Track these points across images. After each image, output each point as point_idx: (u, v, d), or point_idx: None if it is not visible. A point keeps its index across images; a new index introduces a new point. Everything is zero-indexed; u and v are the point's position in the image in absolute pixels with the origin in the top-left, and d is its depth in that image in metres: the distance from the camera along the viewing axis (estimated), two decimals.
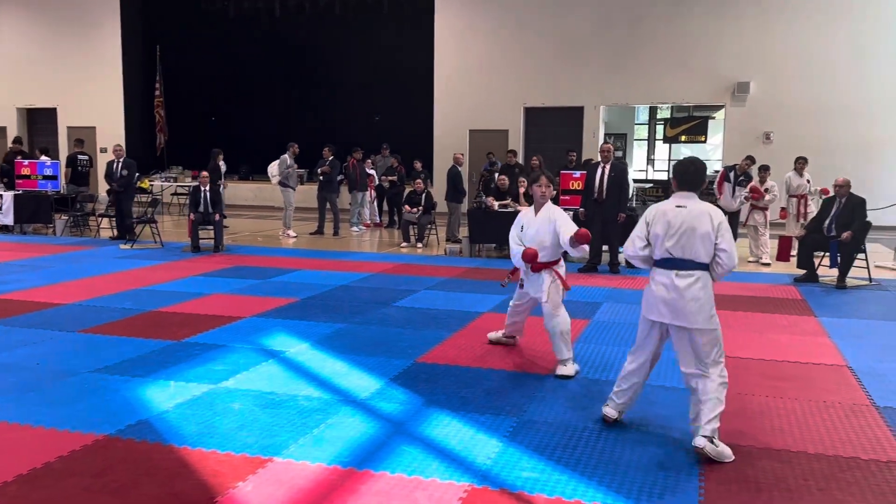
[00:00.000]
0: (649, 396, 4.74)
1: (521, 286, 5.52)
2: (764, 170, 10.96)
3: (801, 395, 4.81)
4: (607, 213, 9.63)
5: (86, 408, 4.43)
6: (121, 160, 12.43)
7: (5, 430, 4.07)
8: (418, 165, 14.50)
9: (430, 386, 4.92)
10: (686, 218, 3.88)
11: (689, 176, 4.00)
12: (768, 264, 10.58)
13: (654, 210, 4.05)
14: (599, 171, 9.71)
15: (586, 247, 5.29)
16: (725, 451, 3.75)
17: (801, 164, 11.19)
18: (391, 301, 7.64)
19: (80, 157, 14.01)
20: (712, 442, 3.72)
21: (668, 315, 3.92)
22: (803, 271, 9.26)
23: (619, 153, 22.75)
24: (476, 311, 7.19)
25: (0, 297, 7.57)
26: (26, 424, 4.15)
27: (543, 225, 5.29)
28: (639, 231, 4.09)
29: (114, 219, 12.66)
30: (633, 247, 4.13)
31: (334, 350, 5.75)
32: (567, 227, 5.19)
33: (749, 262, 10.85)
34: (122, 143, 20.14)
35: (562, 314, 5.24)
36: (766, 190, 10.85)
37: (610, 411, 4.27)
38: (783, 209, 11.30)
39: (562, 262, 5.40)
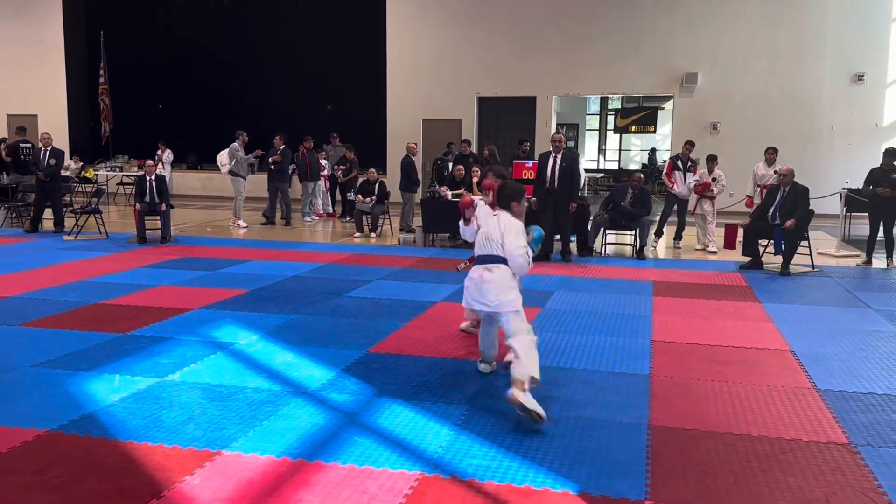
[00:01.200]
0: (599, 382, 4.81)
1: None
2: (711, 160, 11.17)
3: (745, 380, 4.93)
4: (559, 203, 9.71)
5: (27, 403, 4.30)
6: (48, 149, 11.99)
7: None
8: (350, 155, 14.27)
9: (382, 376, 4.91)
10: (494, 224, 4.65)
11: (500, 199, 4.76)
12: (715, 252, 10.80)
13: (484, 208, 5.01)
14: (551, 160, 9.77)
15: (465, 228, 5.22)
16: (537, 407, 4.06)
17: (770, 154, 11.15)
18: (344, 291, 7.58)
19: (21, 145, 13.54)
20: (524, 392, 4.11)
21: (472, 299, 4.65)
22: (748, 258, 9.49)
23: (572, 143, 22.97)
24: (429, 301, 7.18)
25: None
26: None
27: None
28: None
29: (48, 209, 12.17)
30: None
31: (285, 341, 5.69)
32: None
33: (696, 249, 11.06)
34: (66, 132, 19.72)
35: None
36: (714, 179, 11.06)
37: (484, 366, 4.95)
38: (749, 197, 11.35)
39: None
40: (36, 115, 20.06)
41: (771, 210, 9.35)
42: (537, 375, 4.28)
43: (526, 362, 4.25)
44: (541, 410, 4.03)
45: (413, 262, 9.50)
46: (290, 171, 14.00)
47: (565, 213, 9.75)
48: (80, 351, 5.35)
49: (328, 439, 3.86)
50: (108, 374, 4.85)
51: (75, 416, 4.11)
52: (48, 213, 12.71)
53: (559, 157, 9.74)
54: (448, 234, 11.62)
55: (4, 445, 3.70)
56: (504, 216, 4.67)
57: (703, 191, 10.96)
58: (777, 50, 16.04)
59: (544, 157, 9.97)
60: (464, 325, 6.06)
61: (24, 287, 7.54)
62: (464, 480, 3.42)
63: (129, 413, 4.18)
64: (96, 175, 17.51)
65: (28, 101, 20.18)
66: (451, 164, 12.35)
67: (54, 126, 19.78)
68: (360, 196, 12.49)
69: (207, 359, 5.21)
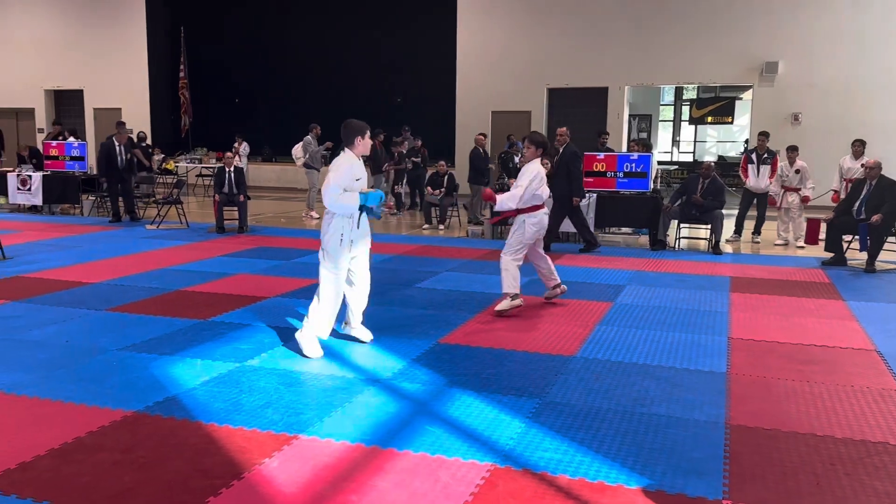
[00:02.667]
0: (673, 379, 4.72)
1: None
2: (792, 150, 10.77)
3: (827, 380, 4.76)
4: (557, 195, 9.58)
5: (114, 384, 4.50)
6: (122, 145, 12.44)
7: (37, 406, 4.15)
8: (398, 148, 14.55)
9: (452, 366, 4.94)
10: None
11: (341, 135, 5.10)
12: (802, 247, 10.42)
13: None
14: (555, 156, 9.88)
15: (498, 206, 6.30)
16: (312, 350, 5.05)
17: (857, 146, 10.61)
18: (413, 282, 7.65)
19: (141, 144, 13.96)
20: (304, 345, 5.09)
21: None
22: (831, 254, 9.14)
23: (644, 135, 22.53)
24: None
25: (31, 276, 7.69)
26: (57, 400, 4.23)
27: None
28: None
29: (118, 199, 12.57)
30: None
31: None
32: (518, 182, 6.25)
33: (775, 244, 10.71)
34: (148, 125, 20.44)
35: (507, 257, 6.29)
36: (797, 171, 10.66)
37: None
38: (835, 192, 10.90)
39: (532, 215, 6.28)
40: (120, 109, 20.87)
41: (856, 204, 8.98)
42: (324, 335, 5.15)
43: (314, 319, 5.08)
44: (314, 353, 5.05)
45: (481, 255, 9.51)
46: None
47: (565, 206, 9.67)
48: (163, 336, 5.56)
49: (400, 427, 3.91)
50: (190, 358, 5.03)
51: (160, 398, 4.29)
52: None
53: (561, 150, 9.74)
54: None
55: (95, 424, 3.89)
56: (335, 160, 5.11)
57: (806, 201, 10.62)
58: (863, 37, 15.33)
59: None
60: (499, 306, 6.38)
61: (111, 274, 7.87)
62: (536, 473, 3.42)
63: (211, 396, 4.32)
64: (177, 167, 18.12)
65: (112, 96, 21.02)
66: (516, 157, 12.31)
67: (137, 119, 20.57)
68: (429, 188, 12.57)
69: (284, 345, 5.35)
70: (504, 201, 6.23)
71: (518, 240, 6.32)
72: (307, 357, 5.08)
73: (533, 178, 6.24)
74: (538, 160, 6.41)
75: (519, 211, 6.31)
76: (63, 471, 3.37)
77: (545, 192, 6.41)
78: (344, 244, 5.08)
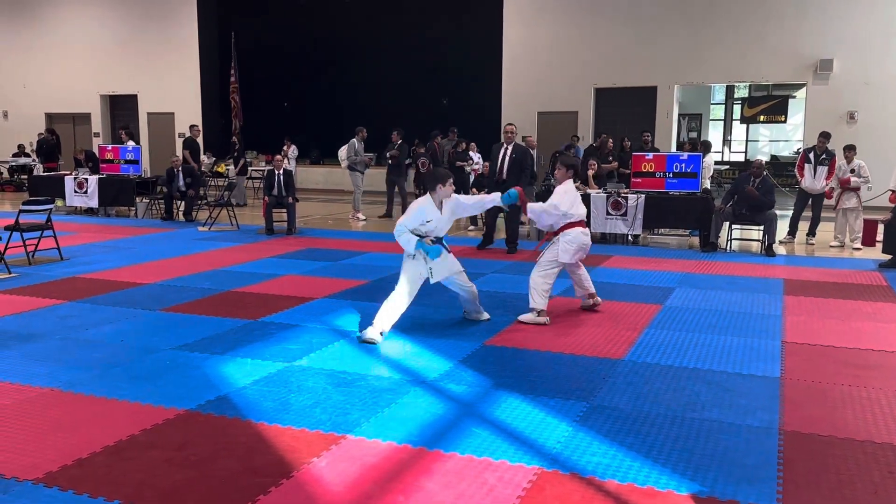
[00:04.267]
0: (725, 383, 4.63)
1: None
2: (849, 149, 10.45)
3: (885, 385, 4.61)
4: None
5: (167, 383, 4.60)
6: (179, 169, 12.97)
7: (92, 404, 4.27)
8: (421, 150, 14.52)
9: (498, 368, 4.93)
10: None
11: (425, 182, 5.77)
12: (859, 249, 10.12)
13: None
14: (502, 151, 9.74)
15: (529, 212, 6.24)
16: (373, 336, 5.44)
17: None
18: None
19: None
20: (371, 328, 5.51)
21: None
22: (889, 256, 8.86)
23: (694, 134, 22.16)
24: None
25: (87, 277, 7.92)
26: (112, 398, 4.34)
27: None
28: None
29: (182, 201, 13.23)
30: None
31: (404, 331, 5.80)
32: (551, 200, 6.21)
33: (831, 246, 10.41)
34: (200, 129, 20.83)
35: (536, 274, 6.15)
36: (853, 171, 10.36)
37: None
38: (893, 192, 10.54)
39: (566, 233, 6.13)
40: (173, 114, 21.36)
41: None
42: (383, 328, 5.52)
43: (382, 312, 5.54)
44: (373, 339, 5.42)
45: (527, 256, 9.45)
46: (406, 166, 14.24)
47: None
48: (214, 335, 5.67)
49: (447, 429, 3.91)
50: (241, 357, 5.12)
51: (211, 396, 4.37)
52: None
53: (510, 148, 9.69)
54: None
55: (149, 422, 3.98)
56: (415, 201, 5.88)
57: (845, 185, 10.29)
58: None
59: (496, 147, 9.93)
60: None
61: (164, 275, 8.06)
62: (583, 477, 3.38)
63: (261, 395, 4.39)
64: (227, 170, 18.44)
65: (165, 100, 21.51)
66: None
67: (189, 123, 21.00)
68: (474, 189, 12.55)
69: (331, 346, 5.40)
70: (534, 209, 6.20)
71: (550, 258, 6.15)
72: (366, 340, 5.46)
73: (562, 198, 6.13)
74: (570, 181, 6.31)
75: (554, 232, 6.23)
76: (117, 467, 3.46)
77: (580, 210, 6.24)
78: (416, 260, 5.70)
